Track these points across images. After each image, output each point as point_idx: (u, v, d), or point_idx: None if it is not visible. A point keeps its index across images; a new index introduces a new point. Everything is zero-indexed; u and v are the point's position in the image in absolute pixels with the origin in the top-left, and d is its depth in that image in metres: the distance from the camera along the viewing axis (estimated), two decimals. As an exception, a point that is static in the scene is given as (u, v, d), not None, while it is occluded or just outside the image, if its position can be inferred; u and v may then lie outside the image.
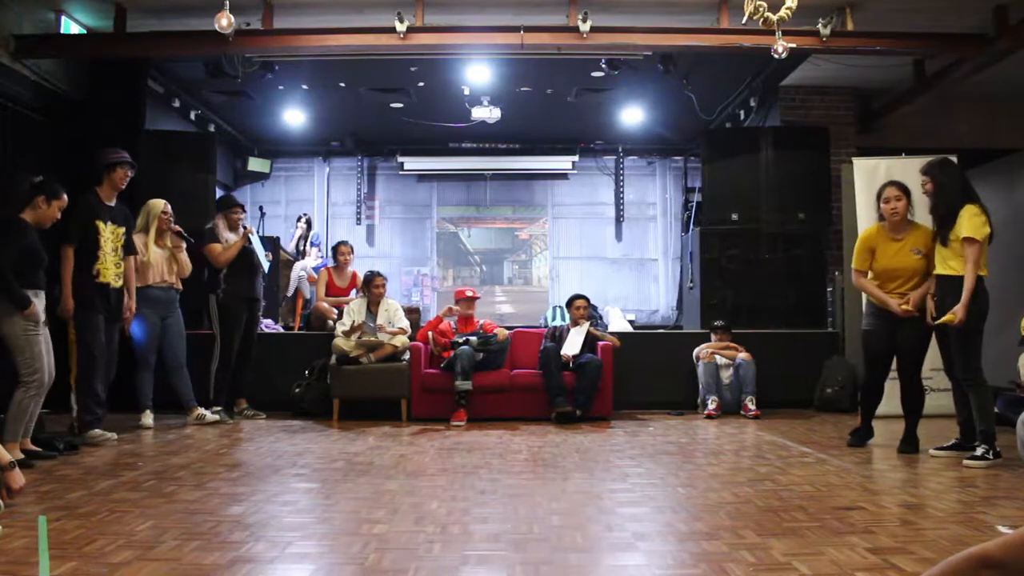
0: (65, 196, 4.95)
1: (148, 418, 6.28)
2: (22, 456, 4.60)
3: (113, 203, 5.74)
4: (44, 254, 4.89)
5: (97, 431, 5.52)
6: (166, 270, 6.39)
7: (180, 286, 6.53)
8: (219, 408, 6.66)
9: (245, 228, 6.88)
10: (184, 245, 6.49)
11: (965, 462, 4.62)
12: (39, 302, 4.78)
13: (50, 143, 7.04)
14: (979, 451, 4.62)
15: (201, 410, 6.50)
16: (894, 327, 5.12)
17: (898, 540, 2.97)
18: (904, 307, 5.01)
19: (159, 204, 6.40)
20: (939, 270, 4.87)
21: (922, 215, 5.15)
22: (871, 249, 5.20)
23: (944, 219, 4.82)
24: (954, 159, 5.46)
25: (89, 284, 5.50)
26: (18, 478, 3.50)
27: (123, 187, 5.80)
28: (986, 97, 8.62)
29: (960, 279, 4.68)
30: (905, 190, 5.13)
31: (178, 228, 6.44)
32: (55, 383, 5.02)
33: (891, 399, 5.53)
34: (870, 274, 5.25)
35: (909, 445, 5.11)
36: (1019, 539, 1.50)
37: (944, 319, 4.69)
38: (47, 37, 6.99)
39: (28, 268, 4.75)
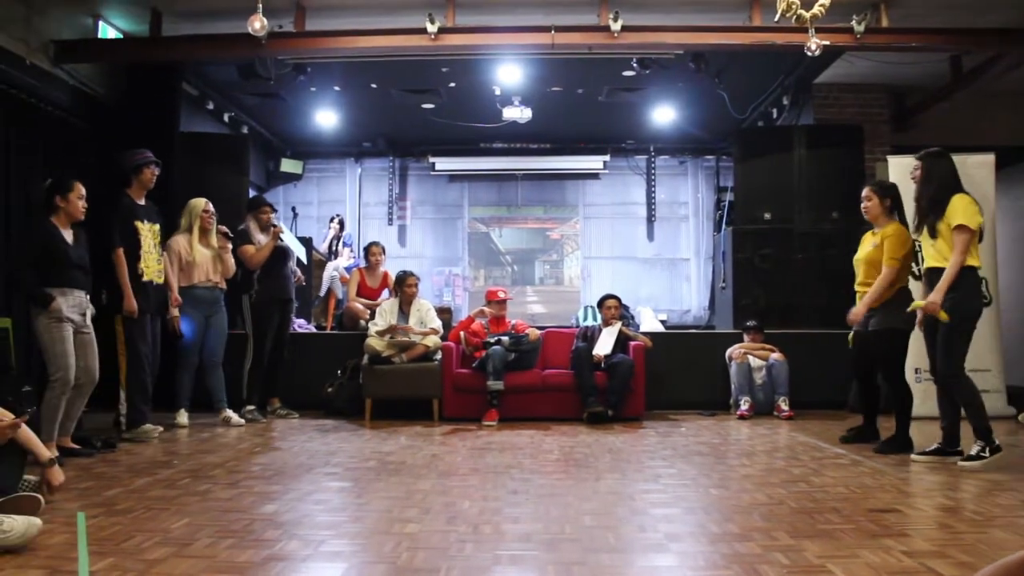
0: (78, 183, 4.95)
1: (183, 417, 6.37)
2: (57, 454, 4.67)
3: (143, 202, 5.86)
4: (71, 252, 4.86)
5: (148, 426, 5.67)
6: (211, 270, 6.49)
7: (224, 286, 6.62)
8: (252, 407, 6.73)
9: (274, 227, 6.94)
10: (230, 246, 6.60)
11: (960, 463, 4.49)
12: (65, 300, 4.77)
13: (87, 147, 7.14)
14: (974, 450, 4.49)
15: (228, 412, 6.55)
16: (865, 329, 5.28)
17: (935, 544, 2.93)
18: (851, 319, 5.39)
19: (200, 203, 6.50)
20: (930, 263, 4.74)
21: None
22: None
23: (928, 209, 4.72)
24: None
25: (135, 284, 5.62)
26: (58, 475, 3.58)
27: (151, 186, 5.89)
28: (1025, 94, 8.50)
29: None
30: (879, 191, 5.35)
31: (224, 229, 6.55)
32: (102, 382, 5.11)
33: (928, 401, 5.46)
34: None
35: (890, 445, 5.07)
36: (1011, 567, 1.49)
37: (912, 306, 4.73)
38: (85, 42, 7.10)
39: (52, 266, 4.78)
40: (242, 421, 6.52)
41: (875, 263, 5.23)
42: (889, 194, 5.32)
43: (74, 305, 4.85)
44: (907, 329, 5.08)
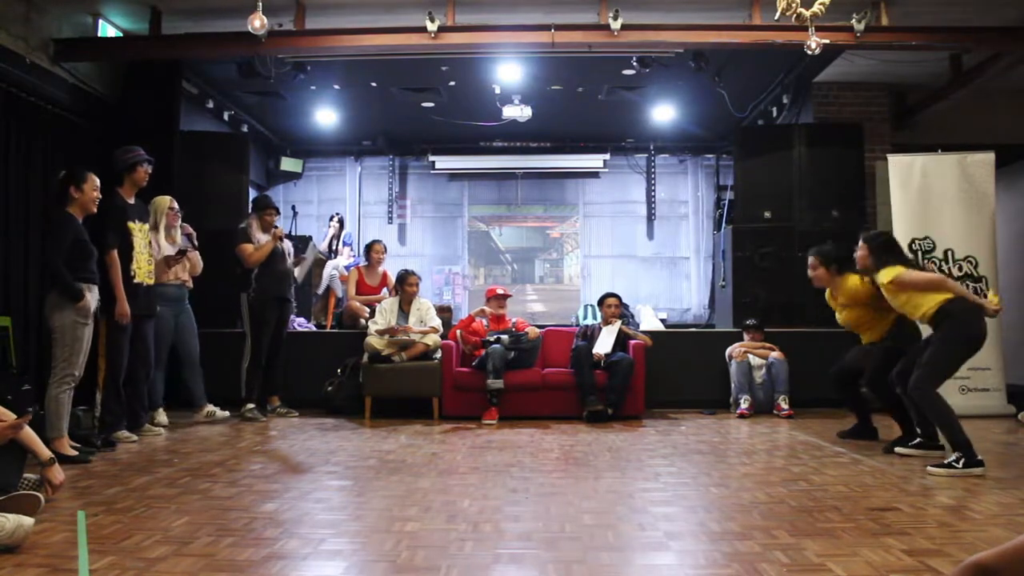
0: (92, 175, 4.98)
1: (162, 416, 6.34)
2: (72, 452, 4.70)
3: (133, 200, 5.74)
4: (93, 247, 4.96)
5: (122, 432, 5.54)
6: (179, 268, 6.45)
7: (191, 284, 6.62)
8: (252, 406, 6.73)
9: (275, 229, 6.94)
10: (194, 248, 6.59)
11: (929, 468, 4.38)
12: (91, 295, 4.86)
13: (87, 144, 7.13)
14: (951, 457, 4.38)
15: (211, 407, 6.61)
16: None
17: (935, 542, 2.93)
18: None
19: (165, 201, 6.41)
20: None
21: None
22: None
23: None
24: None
25: (127, 286, 5.48)
26: (58, 474, 3.58)
27: (144, 184, 5.75)
28: (1025, 92, 8.48)
29: None
30: (822, 259, 5.57)
31: (189, 230, 6.56)
32: (83, 381, 5.10)
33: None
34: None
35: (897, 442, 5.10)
36: (1013, 548, 1.50)
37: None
38: (85, 40, 7.09)
39: (79, 261, 4.83)
40: (226, 413, 6.59)
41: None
42: (832, 259, 5.48)
43: (94, 300, 4.94)
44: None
